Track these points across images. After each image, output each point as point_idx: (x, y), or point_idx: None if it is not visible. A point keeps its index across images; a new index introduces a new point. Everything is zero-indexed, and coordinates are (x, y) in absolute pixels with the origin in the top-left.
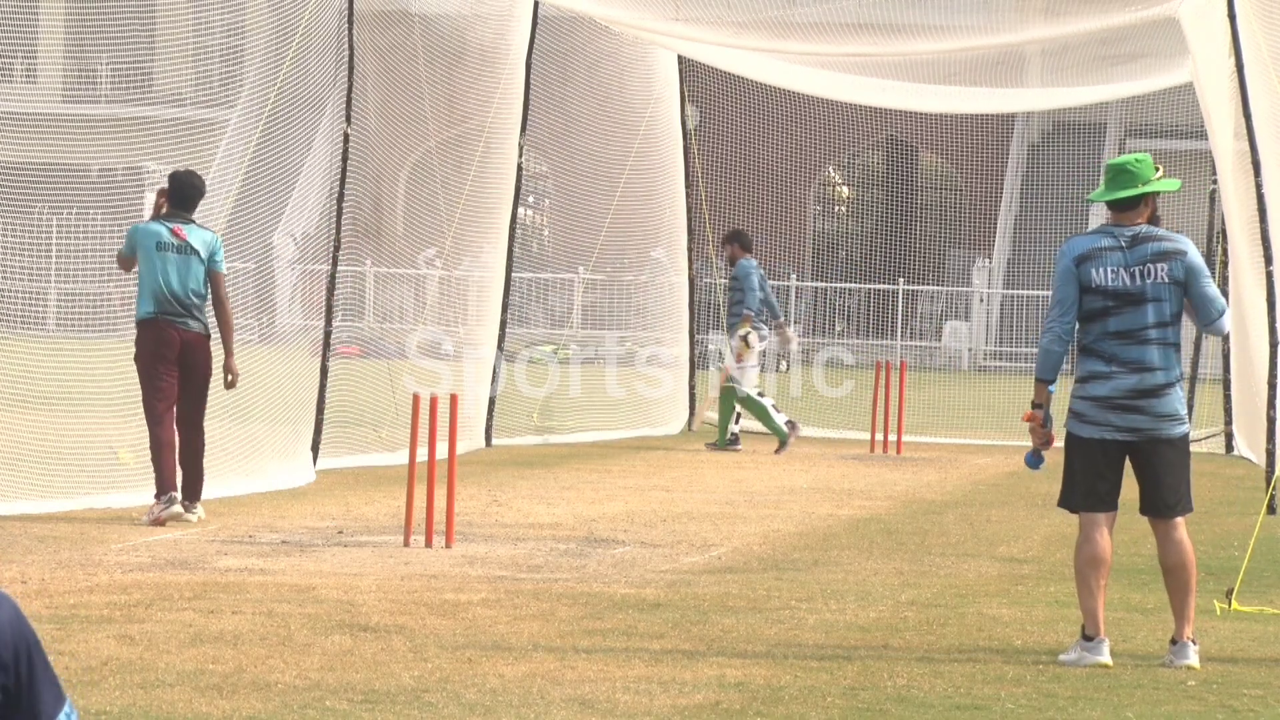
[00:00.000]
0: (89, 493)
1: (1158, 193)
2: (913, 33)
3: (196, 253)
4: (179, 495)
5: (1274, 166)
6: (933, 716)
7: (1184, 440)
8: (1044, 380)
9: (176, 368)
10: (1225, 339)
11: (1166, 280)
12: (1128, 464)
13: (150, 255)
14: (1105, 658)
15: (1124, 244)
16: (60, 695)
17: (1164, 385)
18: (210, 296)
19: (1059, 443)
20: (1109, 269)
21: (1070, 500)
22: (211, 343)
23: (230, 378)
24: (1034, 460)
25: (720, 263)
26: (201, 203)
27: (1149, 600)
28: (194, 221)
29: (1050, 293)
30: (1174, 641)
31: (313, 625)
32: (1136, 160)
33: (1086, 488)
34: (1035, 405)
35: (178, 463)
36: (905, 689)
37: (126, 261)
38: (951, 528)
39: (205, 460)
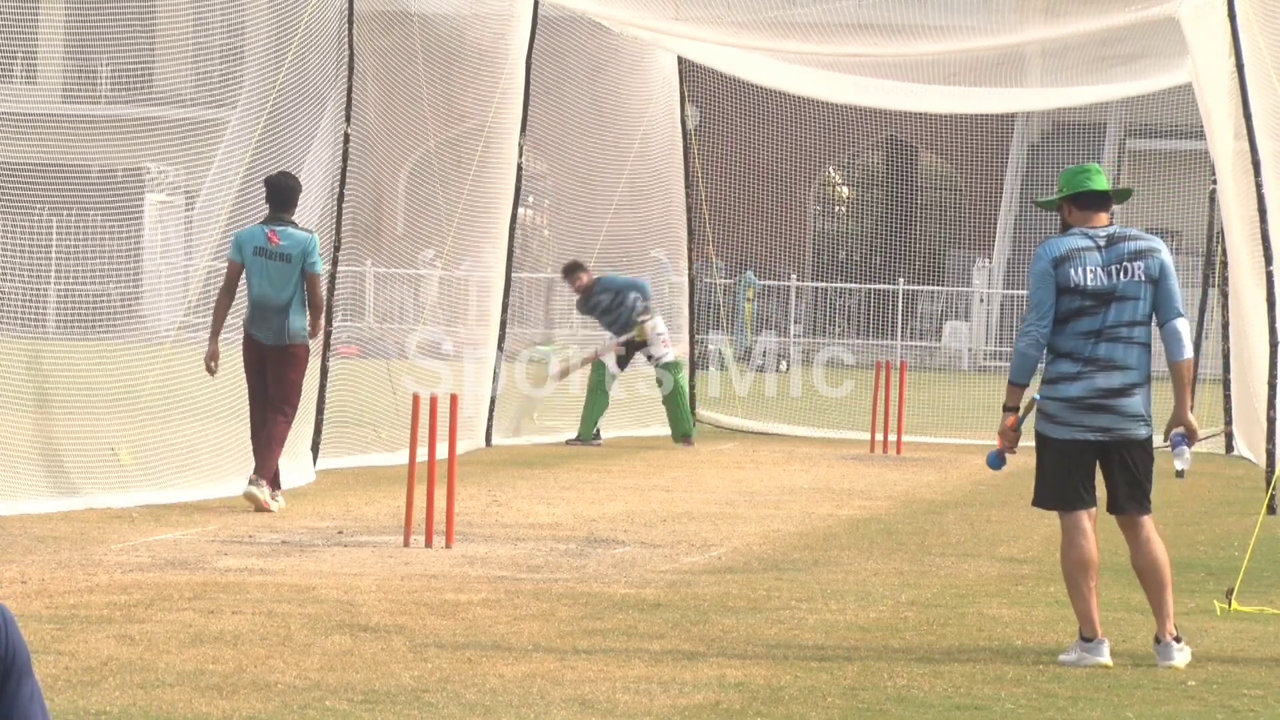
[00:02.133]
0: (89, 493)
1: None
2: (913, 33)
3: (289, 258)
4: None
5: (1273, 166)
6: (933, 716)
7: (1149, 442)
8: (1019, 384)
9: (260, 375)
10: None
11: (1143, 278)
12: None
13: (249, 261)
14: (1105, 658)
15: (1100, 244)
16: (42, 703)
17: (1134, 385)
18: (307, 296)
19: (1026, 441)
20: (1087, 269)
21: (1043, 499)
22: (300, 345)
23: (312, 331)
24: (997, 461)
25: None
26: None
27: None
28: (292, 223)
29: (1029, 296)
30: (1157, 641)
31: (313, 625)
32: (1096, 167)
33: (1058, 487)
34: (1008, 409)
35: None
36: (905, 689)
37: (235, 268)
38: (951, 528)
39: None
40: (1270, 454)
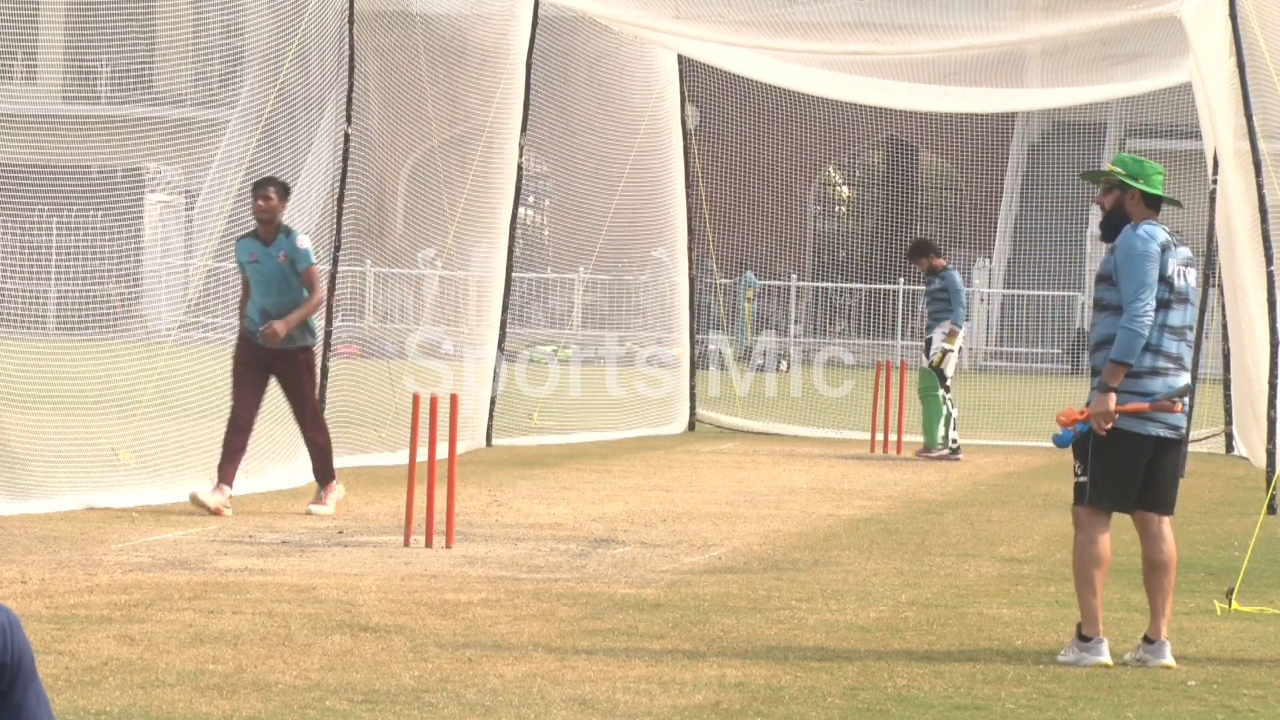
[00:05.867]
0: (89, 493)
1: None
2: (913, 32)
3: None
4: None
5: (1273, 166)
6: (933, 716)
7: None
8: (1128, 364)
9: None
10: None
11: (1195, 285)
12: None
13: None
14: (1106, 658)
15: (1174, 242)
16: (44, 701)
17: (1191, 388)
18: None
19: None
20: (1173, 262)
21: (1102, 496)
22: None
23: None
24: (1070, 439)
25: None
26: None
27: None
28: None
29: (1135, 275)
30: (1149, 640)
31: (313, 625)
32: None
33: (1122, 487)
34: (1110, 389)
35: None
36: (905, 689)
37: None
38: (951, 528)
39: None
40: (1270, 454)
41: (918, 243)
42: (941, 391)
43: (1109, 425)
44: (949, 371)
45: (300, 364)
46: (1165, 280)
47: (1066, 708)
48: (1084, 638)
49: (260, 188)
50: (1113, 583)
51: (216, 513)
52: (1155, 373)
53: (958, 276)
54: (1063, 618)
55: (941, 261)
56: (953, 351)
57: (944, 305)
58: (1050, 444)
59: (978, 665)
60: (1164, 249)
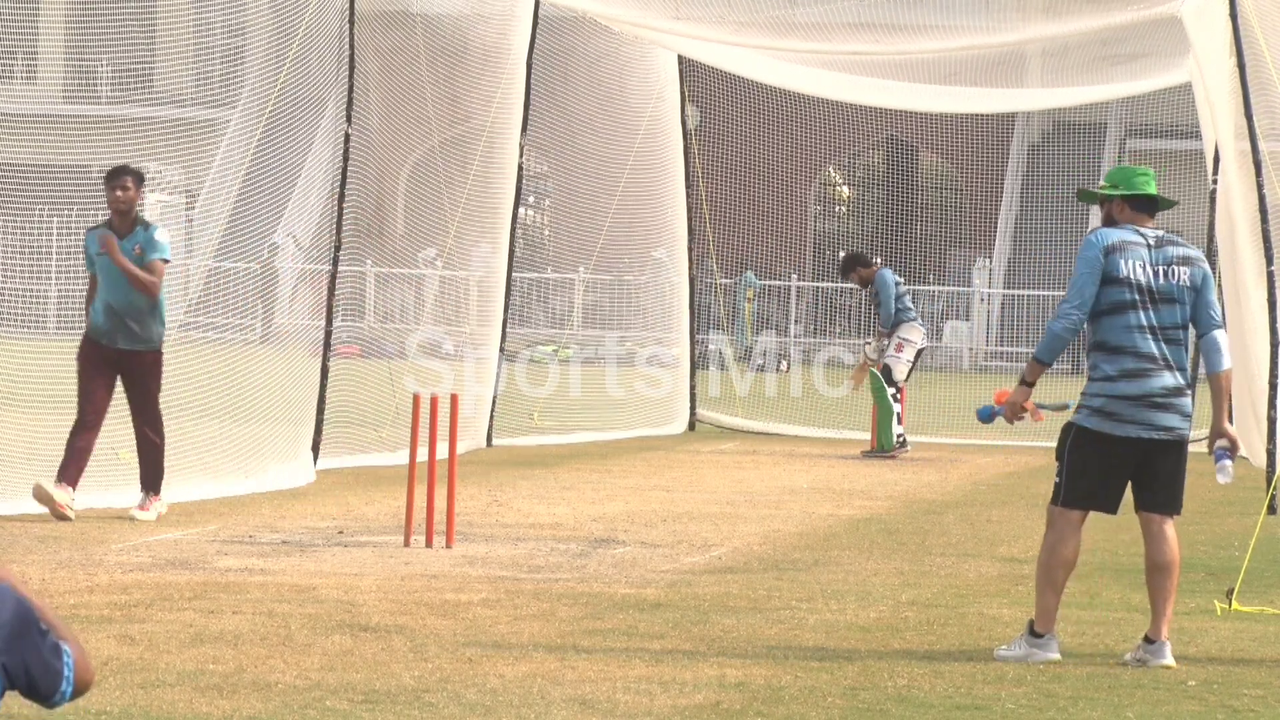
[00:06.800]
0: (89, 493)
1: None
2: (913, 32)
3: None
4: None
5: (1273, 166)
6: (933, 716)
7: (1187, 442)
8: (1044, 363)
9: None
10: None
11: (1187, 284)
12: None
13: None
14: (1056, 654)
15: (1150, 243)
16: (57, 650)
17: (1187, 385)
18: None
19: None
20: (1137, 263)
21: (1076, 499)
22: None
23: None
24: (988, 416)
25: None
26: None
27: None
28: None
29: (1072, 279)
30: (1150, 640)
31: (313, 625)
32: (1151, 172)
33: (1097, 487)
34: (1027, 383)
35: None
36: (905, 689)
37: None
38: (951, 528)
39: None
40: (1270, 454)
41: (845, 259)
42: (891, 390)
43: (1015, 419)
44: (900, 373)
45: (148, 362)
46: (1121, 281)
47: (1066, 708)
48: (1036, 634)
49: (116, 177)
50: (1113, 583)
51: (60, 511)
52: (1132, 375)
53: (887, 275)
54: (1062, 618)
55: (870, 271)
56: (860, 351)
57: (896, 309)
58: (1040, 433)
59: (978, 665)
60: (1115, 249)
